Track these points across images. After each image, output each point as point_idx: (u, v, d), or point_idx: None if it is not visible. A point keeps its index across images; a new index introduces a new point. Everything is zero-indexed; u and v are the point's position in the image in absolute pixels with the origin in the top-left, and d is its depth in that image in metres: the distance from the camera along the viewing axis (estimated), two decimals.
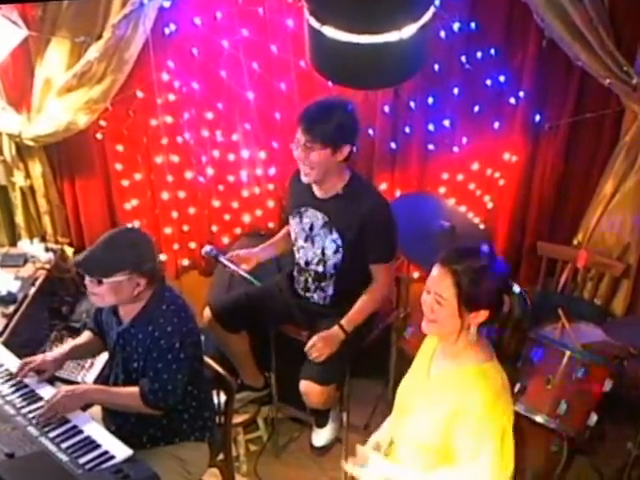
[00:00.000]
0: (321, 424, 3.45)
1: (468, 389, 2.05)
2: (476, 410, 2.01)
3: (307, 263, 3.19)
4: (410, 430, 2.20)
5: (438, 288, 2.06)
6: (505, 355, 2.15)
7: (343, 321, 3.08)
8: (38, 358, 2.77)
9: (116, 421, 2.73)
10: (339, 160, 2.96)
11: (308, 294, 3.26)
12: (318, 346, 3.03)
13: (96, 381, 3.19)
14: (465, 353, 2.12)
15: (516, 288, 2.10)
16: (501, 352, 2.13)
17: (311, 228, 3.13)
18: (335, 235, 3.06)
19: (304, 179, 3.01)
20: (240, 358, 3.46)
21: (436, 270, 2.08)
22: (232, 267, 3.17)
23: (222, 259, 3.19)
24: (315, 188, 3.09)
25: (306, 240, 3.16)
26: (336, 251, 3.08)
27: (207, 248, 3.24)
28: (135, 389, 2.61)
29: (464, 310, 2.04)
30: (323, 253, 3.12)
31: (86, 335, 2.93)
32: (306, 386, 3.10)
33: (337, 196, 3.05)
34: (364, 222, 2.99)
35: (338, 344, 3.07)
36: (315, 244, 3.13)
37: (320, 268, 3.15)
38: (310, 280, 3.22)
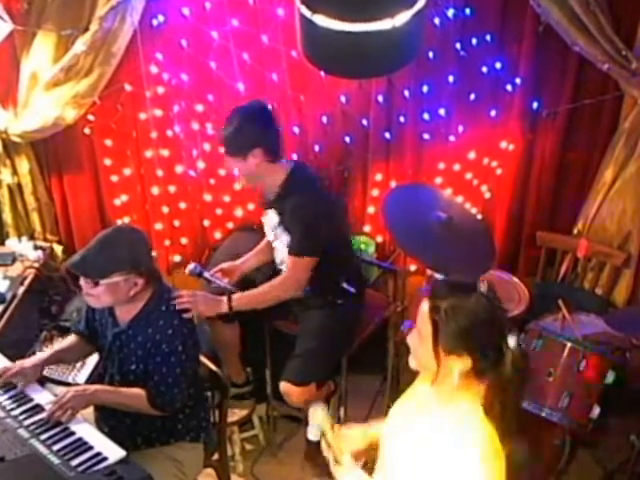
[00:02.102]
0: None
1: (457, 437, 1.86)
2: (464, 460, 1.82)
3: (281, 262, 3.25)
4: (392, 455, 2.11)
5: (419, 322, 1.92)
6: (491, 418, 1.88)
7: (234, 295, 3.07)
8: (16, 365, 2.71)
9: (110, 422, 2.71)
10: (257, 164, 3.00)
11: None
12: (197, 299, 2.88)
13: (88, 381, 3.15)
14: (455, 397, 1.92)
15: (511, 341, 1.87)
16: (496, 412, 1.89)
17: (274, 228, 3.20)
18: (285, 232, 3.13)
19: (240, 186, 3.12)
20: (228, 351, 3.45)
21: (422, 302, 1.93)
22: (217, 282, 3.18)
23: (206, 275, 3.19)
24: (267, 194, 3.18)
25: (274, 239, 3.24)
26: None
27: (191, 266, 3.21)
28: (142, 391, 2.59)
29: (441, 351, 1.86)
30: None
31: (70, 339, 2.89)
32: (284, 387, 3.13)
33: (279, 196, 3.11)
34: (289, 216, 3.07)
35: (215, 310, 3.04)
36: (280, 243, 3.20)
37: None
38: None
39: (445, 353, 1.87)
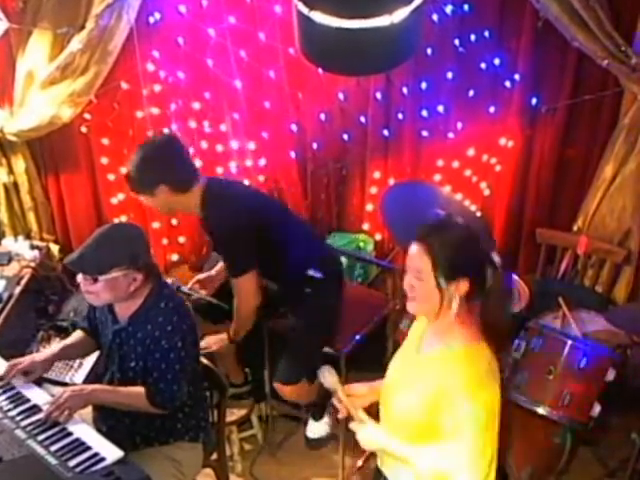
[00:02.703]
0: (317, 417, 3.45)
1: (452, 371, 2.05)
2: (459, 392, 2.01)
3: None
4: (397, 406, 2.21)
5: (415, 263, 2.07)
6: (491, 329, 2.11)
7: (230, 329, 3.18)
8: (27, 359, 2.71)
9: (108, 422, 2.69)
10: (166, 198, 2.94)
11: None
12: (209, 343, 3.15)
13: (85, 381, 3.16)
14: (451, 332, 2.11)
15: (496, 258, 2.07)
16: (488, 326, 2.10)
17: None
18: None
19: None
20: (224, 352, 3.38)
21: (412, 248, 2.10)
22: (195, 295, 3.19)
23: (184, 289, 3.20)
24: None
25: None
26: None
27: (168, 282, 3.20)
28: (141, 389, 2.58)
29: (442, 281, 2.03)
30: None
31: (77, 335, 2.88)
32: (277, 387, 3.20)
33: (201, 218, 3.06)
34: (211, 240, 3.10)
35: (223, 346, 3.18)
36: None
37: None
38: None
39: (446, 281, 2.02)
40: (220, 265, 3.39)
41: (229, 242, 2.98)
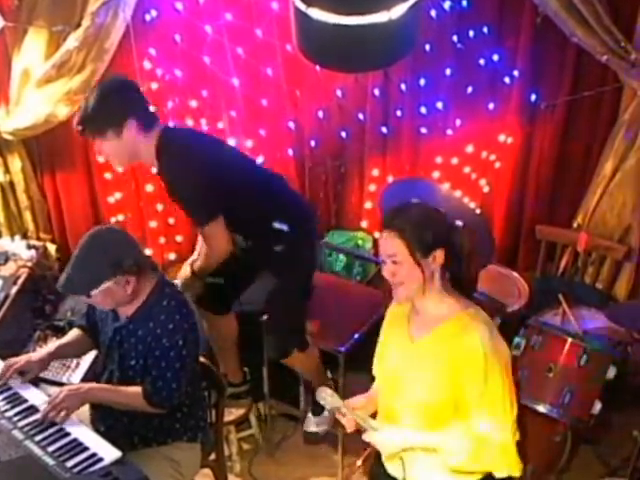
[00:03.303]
0: (316, 413, 3.44)
1: (461, 338, 2.11)
2: (479, 349, 2.07)
3: None
4: (414, 395, 2.21)
5: (389, 249, 2.14)
6: (469, 287, 2.23)
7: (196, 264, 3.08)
8: (23, 358, 2.70)
9: (106, 422, 2.68)
10: (134, 137, 2.75)
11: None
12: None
13: (83, 381, 3.11)
14: (442, 306, 2.19)
15: (459, 223, 2.20)
16: (465, 286, 2.21)
17: None
18: None
19: (115, 168, 2.92)
20: (227, 345, 3.41)
21: (382, 236, 2.17)
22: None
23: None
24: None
25: None
26: None
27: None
28: (138, 388, 2.57)
29: (419, 258, 2.11)
30: None
31: (74, 333, 2.86)
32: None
33: (159, 169, 2.87)
34: (169, 190, 2.88)
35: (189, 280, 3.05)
36: None
37: None
38: None
39: (423, 256, 2.11)
40: (195, 254, 3.27)
41: (185, 191, 2.83)
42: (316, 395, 2.33)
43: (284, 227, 3.00)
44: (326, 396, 2.30)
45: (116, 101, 2.73)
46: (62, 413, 2.45)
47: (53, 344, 2.87)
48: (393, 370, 2.30)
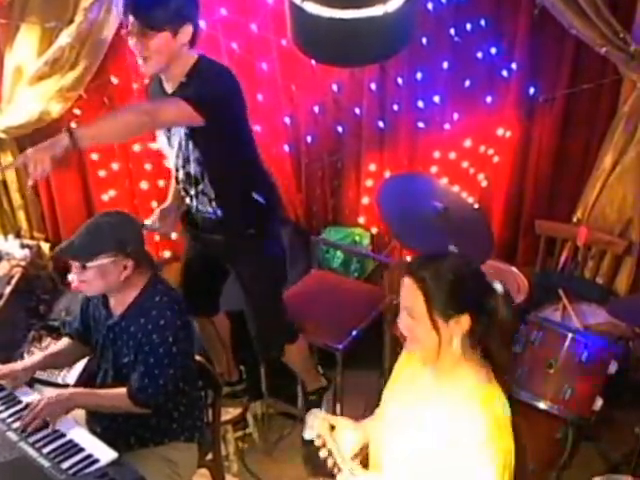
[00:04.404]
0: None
1: (466, 416, 1.86)
2: (476, 440, 1.82)
3: (176, 169, 2.95)
4: (400, 450, 2.04)
5: (407, 301, 1.90)
6: (498, 368, 1.94)
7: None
8: (6, 367, 2.68)
9: (102, 422, 2.67)
10: (183, 44, 2.64)
11: (201, 207, 3.00)
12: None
13: (78, 380, 3.14)
14: (458, 371, 1.92)
15: (498, 286, 1.91)
16: (493, 364, 1.93)
17: (169, 130, 2.85)
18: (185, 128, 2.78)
19: (144, 70, 2.71)
20: (218, 347, 3.41)
21: (402, 282, 1.92)
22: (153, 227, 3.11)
23: (147, 223, 3.06)
24: (165, 85, 2.79)
25: (171, 147, 2.90)
26: (187, 143, 2.80)
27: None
28: (123, 390, 2.56)
29: (439, 320, 1.85)
30: (187, 152, 2.84)
31: (63, 342, 2.86)
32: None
33: (182, 85, 2.72)
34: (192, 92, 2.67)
35: (59, 148, 2.36)
36: (176, 145, 2.86)
37: (191, 170, 2.89)
38: (193, 191, 2.96)
39: (444, 319, 1.85)
40: (172, 193, 3.19)
41: (213, 90, 2.69)
42: (307, 415, 2.24)
43: (260, 199, 2.95)
44: (315, 420, 2.18)
45: (189, 3, 2.65)
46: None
47: (41, 353, 2.87)
48: (391, 416, 2.12)
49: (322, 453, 2.15)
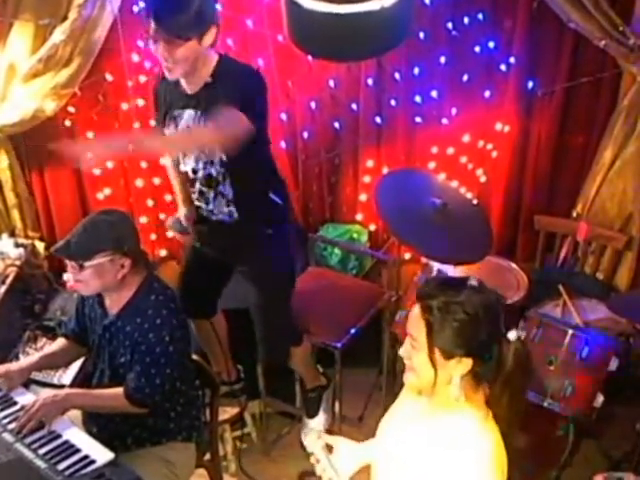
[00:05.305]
0: (312, 414, 3.44)
1: (459, 455, 1.72)
2: (469, 467, 1.70)
3: (195, 171, 2.90)
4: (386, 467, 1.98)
5: (410, 328, 1.76)
6: (500, 419, 1.76)
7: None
8: (1, 368, 2.67)
9: (98, 423, 2.66)
10: (205, 47, 2.64)
11: (216, 210, 2.97)
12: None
13: (74, 381, 3.12)
14: (455, 409, 1.77)
15: (512, 334, 1.73)
16: (495, 414, 1.77)
17: (186, 129, 2.82)
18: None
19: (170, 76, 2.68)
20: (215, 347, 3.39)
21: (413, 307, 1.78)
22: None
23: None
24: (185, 86, 2.77)
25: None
26: None
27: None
28: (119, 389, 2.55)
29: (439, 357, 1.70)
30: (211, 153, 2.82)
31: (59, 343, 2.85)
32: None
33: (207, 85, 2.71)
34: (226, 94, 2.65)
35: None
36: None
37: (213, 171, 2.86)
38: (211, 193, 2.92)
39: (444, 357, 1.71)
40: (183, 199, 3.14)
41: (247, 94, 2.65)
42: (303, 431, 2.23)
43: (277, 199, 2.95)
44: (313, 437, 2.09)
45: (211, 5, 2.64)
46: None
47: (36, 355, 2.86)
48: (388, 445, 2.00)
49: (317, 470, 2.08)
